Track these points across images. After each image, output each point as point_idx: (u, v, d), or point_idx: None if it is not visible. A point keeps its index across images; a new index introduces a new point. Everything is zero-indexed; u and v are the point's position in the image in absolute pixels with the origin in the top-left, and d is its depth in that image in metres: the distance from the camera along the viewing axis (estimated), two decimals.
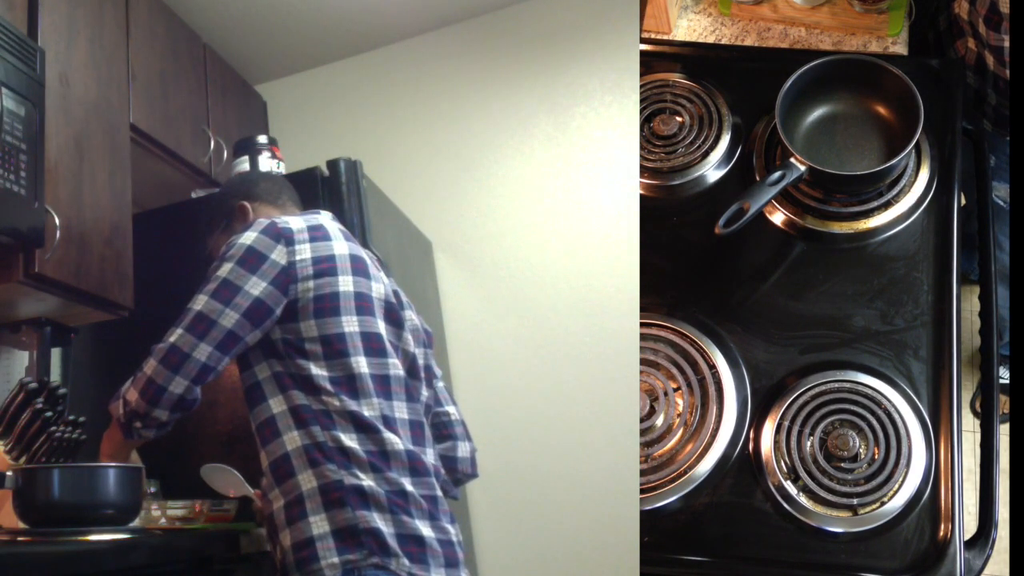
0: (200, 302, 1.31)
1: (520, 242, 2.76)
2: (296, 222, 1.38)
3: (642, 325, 1.29)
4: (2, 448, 1.66)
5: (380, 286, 1.41)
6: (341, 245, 1.38)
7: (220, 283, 1.31)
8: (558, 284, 2.69)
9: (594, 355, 2.59)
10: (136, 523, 1.49)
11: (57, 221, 1.75)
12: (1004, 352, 2.02)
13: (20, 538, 1.30)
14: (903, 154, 1.29)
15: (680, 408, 1.22)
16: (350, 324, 1.32)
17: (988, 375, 1.27)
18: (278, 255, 1.32)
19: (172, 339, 1.28)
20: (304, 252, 1.33)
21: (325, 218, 1.45)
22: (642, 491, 1.18)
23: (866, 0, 1.60)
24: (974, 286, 1.40)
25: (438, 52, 2.97)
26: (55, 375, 2.14)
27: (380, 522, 1.20)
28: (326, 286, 1.32)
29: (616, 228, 2.65)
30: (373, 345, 1.33)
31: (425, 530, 1.23)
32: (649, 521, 1.17)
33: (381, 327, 1.36)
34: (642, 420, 1.22)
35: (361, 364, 1.30)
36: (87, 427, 1.69)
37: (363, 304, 1.35)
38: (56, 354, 2.14)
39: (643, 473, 1.19)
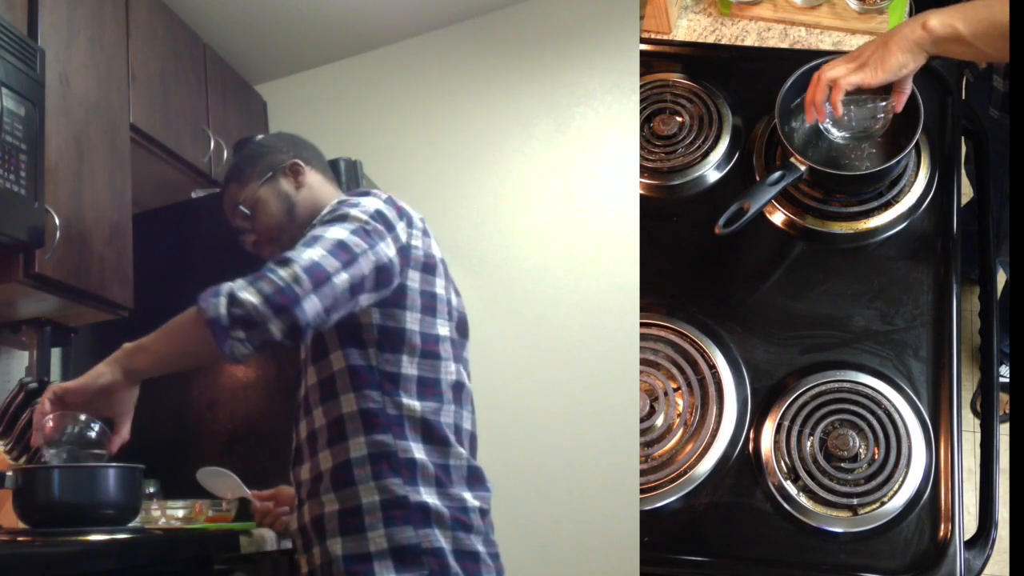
0: (339, 232, 1.14)
1: (520, 242, 2.76)
2: (409, 208, 1.31)
3: (642, 325, 1.29)
4: (2, 448, 1.66)
5: (455, 295, 1.37)
6: (436, 247, 1.33)
7: (359, 225, 1.17)
8: (558, 284, 2.68)
9: (594, 355, 2.59)
10: (136, 523, 1.49)
11: (57, 221, 1.75)
12: (1005, 349, 2.02)
13: (20, 538, 1.30)
14: (903, 154, 1.29)
15: (680, 408, 1.22)
16: (443, 328, 1.27)
17: (988, 375, 1.27)
18: (401, 232, 1.23)
19: (315, 256, 1.09)
20: (419, 240, 1.27)
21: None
22: (642, 491, 1.18)
23: (865, 0, 1.60)
24: (974, 286, 1.40)
25: (438, 52, 2.97)
26: (55, 375, 2.14)
27: (442, 540, 1.15)
28: (429, 283, 1.26)
29: (616, 228, 2.65)
30: (456, 352, 1.29)
31: (479, 545, 1.20)
32: (649, 521, 1.16)
33: (456, 336, 1.32)
34: (642, 420, 1.22)
35: (451, 371, 1.26)
36: None
37: (449, 311, 1.30)
38: (56, 354, 2.14)
39: (643, 473, 1.19)
